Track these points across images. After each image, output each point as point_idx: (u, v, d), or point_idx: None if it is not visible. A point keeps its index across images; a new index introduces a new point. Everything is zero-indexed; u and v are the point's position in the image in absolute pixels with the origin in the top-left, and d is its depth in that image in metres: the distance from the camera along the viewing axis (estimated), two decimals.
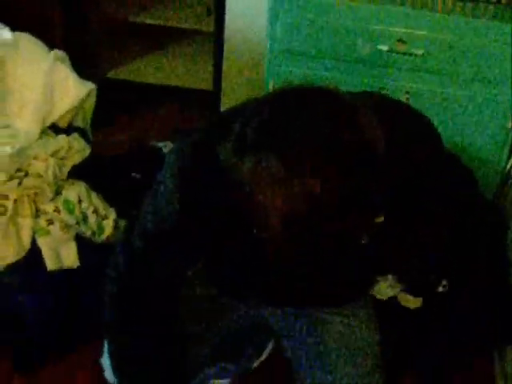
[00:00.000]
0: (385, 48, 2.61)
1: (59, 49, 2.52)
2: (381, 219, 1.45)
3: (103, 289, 1.82)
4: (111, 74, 3.80)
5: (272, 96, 1.39)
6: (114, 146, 3.13)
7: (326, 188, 1.25)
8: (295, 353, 2.01)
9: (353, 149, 1.28)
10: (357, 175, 1.28)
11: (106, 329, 1.87)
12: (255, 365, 2.39)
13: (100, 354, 2.02)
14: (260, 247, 1.47)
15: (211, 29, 3.50)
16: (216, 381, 2.37)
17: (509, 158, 2.74)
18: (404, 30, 2.60)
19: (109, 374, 1.96)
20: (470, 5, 2.66)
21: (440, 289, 2.49)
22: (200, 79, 3.77)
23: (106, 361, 1.98)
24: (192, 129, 3.49)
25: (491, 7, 2.66)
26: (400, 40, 2.60)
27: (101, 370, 2.20)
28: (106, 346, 1.92)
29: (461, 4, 2.66)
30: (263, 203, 1.29)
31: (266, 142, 1.30)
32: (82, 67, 2.66)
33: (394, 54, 2.62)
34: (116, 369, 1.87)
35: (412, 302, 2.47)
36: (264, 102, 1.37)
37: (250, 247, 1.57)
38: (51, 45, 2.54)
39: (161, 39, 4.05)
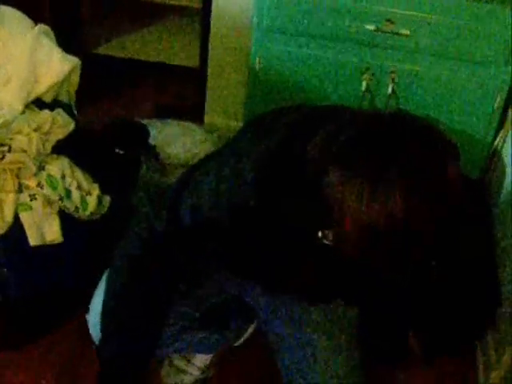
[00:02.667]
0: (371, 27, 2.60)
1: (46, 24, 2.50)
2: None
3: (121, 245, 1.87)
4: (97, 50, 3.78)
5: (368, 111, 1.45)
6: (99, 121, 3.11)
7: (410, 215, 1.30)
8: (274, 330, 2.05)
9: (443, 185, 1.35)
10: (441, 211, 1.35)
11: (110, 286, 1.88)
12: (240, 341, 2.40)
13: (85, 320, 2.06)
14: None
15: (198, 5, 3.48)
16: (198, 355, 2.39)
17: (495, 138, 2.75)
18: (392, 10, 2.59)
19: (93, 330, 1.97)
20: None
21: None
22: (187, 56, 3.75)
23: (91, 318, 2.01)
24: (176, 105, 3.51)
25: None
26: (388, 20, 2.59)
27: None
28: (94, 302, 1.93)
29: None
30: (346, 209, 1.33)
31: (361, 154, 1.34)
32: (68, 42, 2.65)
33: (380, 34, 2.62)
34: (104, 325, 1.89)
35: None
36: (359, 114, 1.43)
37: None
38: (39, 19, 2.52)
39: (148, 15, 4.03)
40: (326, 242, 1.51)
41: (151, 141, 2.90)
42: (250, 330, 2.41)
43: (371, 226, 1.33)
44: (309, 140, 1.50)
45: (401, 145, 1.36)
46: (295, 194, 1.57)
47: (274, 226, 1.67)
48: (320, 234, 1.50)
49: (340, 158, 1.37)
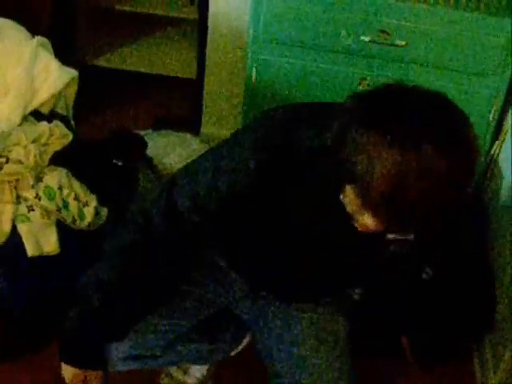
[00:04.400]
0: (367, 39, 2.62)
1: (44, 36, 2.52)
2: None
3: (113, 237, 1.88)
4: (95, 62, 3.79)
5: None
6: (97, 133, 3.12)
7: (440, 162, 1.36)
8: (264, 337, 2.06)
9: (468, 147, 1.42)
10: (468, 172, 1.42)
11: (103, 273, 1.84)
12: (232, 353, 2.40)
13: None
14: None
15: (195, 17, 3.50)
16: (192, 366, 2.40)
17: (491, 147, 2.76)
18: (387, 21, 2.60)
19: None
20: None
21: (424, 276, 2.50)
22: (183, 67, 3.76)
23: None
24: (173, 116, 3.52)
25: None
26: (383, 31, 2.60)
27: None
28: None
29: None
30: (377, 159, 1.36)
31: (387, 111, 1.41)
32: (67, 54, 2.66)
33: (376, 45, 2.63)
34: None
35: None
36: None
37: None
38: (37, 31, 2.53)
39: (144, 27, 4.04)
40: (344, 200, 1.52)
41: (148, 152, 2.91)
42: (246, 339, 2.41)
43: (401, 175, 1.36)
44: (315, 125, 1.60)
45: (426, 103, 1.44)
46: (300, 172, 1.62)
47: (275, 213, 1.69)
48: (341, 195, 1.52)
49: (366, 117, 1.42)
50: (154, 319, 1.96)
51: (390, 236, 1.62)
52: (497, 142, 2.73)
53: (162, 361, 2.09)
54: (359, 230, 1.54)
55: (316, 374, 1.95)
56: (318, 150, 1.58)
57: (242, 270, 2.01)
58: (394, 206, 1.39)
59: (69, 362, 1.88)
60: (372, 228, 1.50)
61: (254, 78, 2.76)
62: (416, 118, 1.40)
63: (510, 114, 2.70)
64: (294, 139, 1.63)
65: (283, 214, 1.70)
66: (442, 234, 2.04)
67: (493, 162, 2.76)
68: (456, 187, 1.41)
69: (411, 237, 1.68)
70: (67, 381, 1.91)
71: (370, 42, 2.62)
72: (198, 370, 2.41)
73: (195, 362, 2.30)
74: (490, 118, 2.71)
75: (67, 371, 1.89)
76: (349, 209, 1.52)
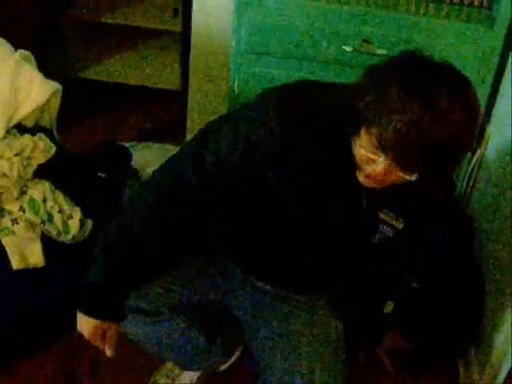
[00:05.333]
0: (349, 49, 2.63)
1: (29, 48, 2.52)
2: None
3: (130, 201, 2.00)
4: (80, 74, 3.79)
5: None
6: (81, 145, 3.12)
7: (452, 112, 1.53)
8: (255, 333, 2.10)
9: (476, 100, 1.60)
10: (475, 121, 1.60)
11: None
12: (222, 367, 2.41)
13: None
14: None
15: (178, 29, 3.51)
16: (183, 375, 2.41)
17: (472, 157, 2.78)
18: (369, 30, 2.62)
19: None
20: (439, 6, 2.68)
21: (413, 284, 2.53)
22: (167, 79, 3.77)
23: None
24: (158, 128, 3.53)
25: (462, 9, 2.69)
26: (365, 40, 2.61)
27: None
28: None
29: (425, 5, 2.68)
30: (394, 108, 1.52)
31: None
32: (52, 67, 2.66)
33: (358, 54, 2.64)
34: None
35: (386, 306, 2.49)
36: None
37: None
38: (23, 44, 2.53)
39: (129, 39, 4.05)
40: (356, 149, 1.64)
41: (133, 163, 2.91)
42: (236, 354, 2.42)
43: (417, 122, 1.51)
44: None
45: (438, 63, 1.62)
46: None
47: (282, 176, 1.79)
48: (354, 144, 1.65)
49: (386, 71, 1.59)
50: (163, 279, 2.05)
51: (382, 215, 1.81)
52: (478, 150, 2.74)
53: (150, 345, 2.10)
54: (364, 183, 1.69)
55: (307, 373, 1.98)
56: (336, 105, 1.73)
57: (240, 256, 2.06)
58: (406, 143, 1.53)
59: (91, 314, 1.89)
60: (379, 175, 1.63)
61: (236, 89, 2.77)
62: (432, 72, 1.58)
63: (490, 123, 2.72)
64: (313, 99, 1.77)
65: (291, 177, 1.79)
66: (426, 243, 2.08)
67: (475, 170, 2.78)
68: (465, 132, 1.57)
69: (400, 226, 1.83)
70: (86, 336, 1.92)
71: (352, 51, 2.64)
72: (186, 380, 2.42)
73: (187, 364, 2.31)
74: None
75: (87, 326, 1.90)
76: (359, 157, 1.64)
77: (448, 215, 2.03)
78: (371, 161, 1.62)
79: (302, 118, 1.75)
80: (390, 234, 1.85)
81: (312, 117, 1.75)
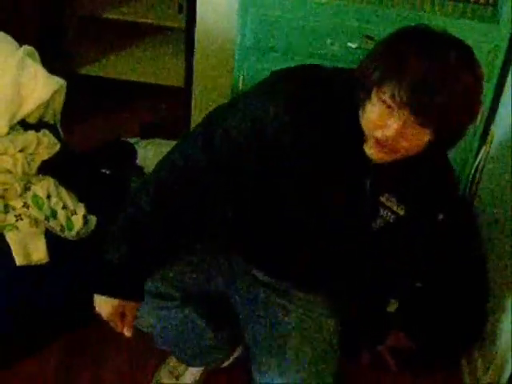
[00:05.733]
0: (354, 45, 2.63)
1: (32, 44, 2.52)
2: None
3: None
4: (83, 71, 3.79)
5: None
6: (85, 142, 3.12)
7: (460, 71, 1.60)
8: (252, 330, 2.10)
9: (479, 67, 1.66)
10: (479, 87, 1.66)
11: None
12: (224, 364, 2.41)
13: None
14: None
15: (182, 25, 3.50)
16: (187, 372, 2.41)
17: (477, 155, 2.77)
18: (373, 27, 2.61)
19: None
20: (444, 3, 2.67)
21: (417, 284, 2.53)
22: (171, 76, 3.77)
23: None
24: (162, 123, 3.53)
25: (467, 6, 2.67)
26: (367, 36, 2.61)
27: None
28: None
29: (430, 1, 2.67)
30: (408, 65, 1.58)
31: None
32: (55, 63, 2.66)
33: (363, 51, 2.63)
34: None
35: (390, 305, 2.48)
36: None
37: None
38: (25, 41, 2.53)
39: (133, 36, 4.04)
40: (364, 116, 1.67)
41: (138, 160, 2.91)
42: (239, 350, 2.42)
43: (427, 79, 1.56)
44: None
45: (443, 32, 1.68)
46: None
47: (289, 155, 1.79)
48: (362, 112, 1.67)
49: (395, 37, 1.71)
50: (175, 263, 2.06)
51: (383, 199, 1.82)
52: (484, 148, 2.74)
53: (174, 317, 2.10)
54: (372, 155, 1.69)
55: (290, 371, 1.99)
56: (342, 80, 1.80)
57: (241, 242, 2.06)
58: (422, 89, 1.56)
59: (112, 294, 1.89)
60: (390, 139, 1.62)
61: (240, 85, 2.77)
62: (441, 36, 1.66)
63: (494, 122, 2.72)
64: (320, 77, 1.82)
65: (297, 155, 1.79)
66: (429, 243, 2.08)
67: (480, 169, 2.77)
68: (473, 92, 1.63)
69: (402, 212, 1.84)
70: (105, 317, 1.91)
71: (356, 48, 2.63)
72: (189, 377, 2.42)
73: (190, 359, 2.32)
74: (477, 124, 2.72)
75: (105, 307, 1.90)
76: (370, 124, 1.65)
77: (450, 206, 2.01)
78: (383, 125, 1.62)
79: (309, 97, 1.76)
80: (391, 220, 1.85)
81: (319, 94, 1.77)
